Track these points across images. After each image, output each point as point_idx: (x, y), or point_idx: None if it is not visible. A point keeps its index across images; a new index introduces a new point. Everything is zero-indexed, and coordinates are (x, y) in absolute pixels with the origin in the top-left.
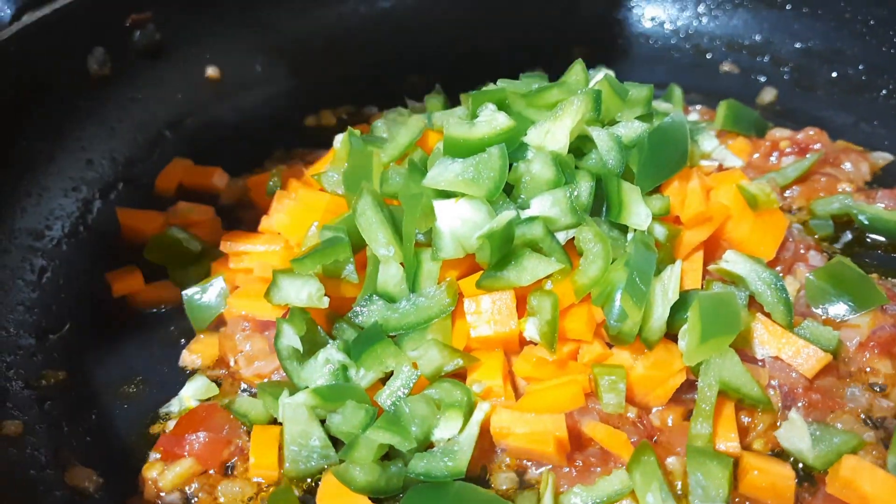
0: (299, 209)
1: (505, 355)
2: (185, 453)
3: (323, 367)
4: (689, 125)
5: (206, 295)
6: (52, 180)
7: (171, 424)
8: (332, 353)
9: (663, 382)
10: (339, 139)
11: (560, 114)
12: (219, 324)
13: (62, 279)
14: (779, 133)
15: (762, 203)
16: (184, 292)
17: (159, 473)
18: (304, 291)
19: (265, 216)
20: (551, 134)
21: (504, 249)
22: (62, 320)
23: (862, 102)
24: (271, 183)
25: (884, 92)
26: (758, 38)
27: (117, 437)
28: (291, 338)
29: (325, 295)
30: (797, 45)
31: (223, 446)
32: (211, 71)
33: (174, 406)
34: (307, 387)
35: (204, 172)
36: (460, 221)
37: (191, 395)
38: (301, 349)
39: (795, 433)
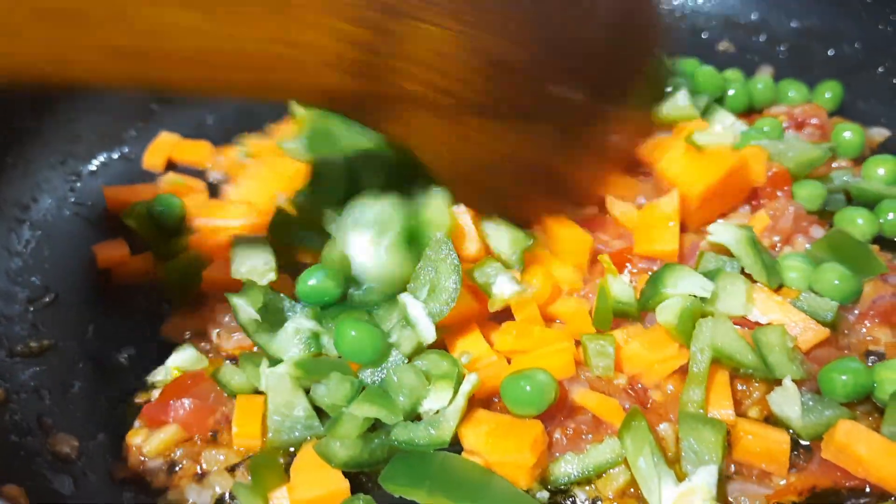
0: (265, 177)
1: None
2: (170, 420)
3: (293, 337)
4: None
5: (183, 269)
6: (38, 153)
7: (156, 394)
8: (301, 322)
9: (662, 364)
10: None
11: None
12: (200, 296)
13: (48, 250)
14: (776, 108)
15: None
16: (163, 267)
17: (143, 440)
18: (247, 264)
19: (234, 185)
20: None
21: None
22: (47, 290)
23: (859, 80)
24: (239, 154)
25: (881, 70)
26: (754, 16)
27: (101, 405)
28: (248, 311)
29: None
30: (793, 24)
31: (208, 414)
32: None
33: (160, 375)
34: (282, 359)
35: (192, 147)
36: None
37: (178, 364)
38: (262, 320)
39: (787, 400)
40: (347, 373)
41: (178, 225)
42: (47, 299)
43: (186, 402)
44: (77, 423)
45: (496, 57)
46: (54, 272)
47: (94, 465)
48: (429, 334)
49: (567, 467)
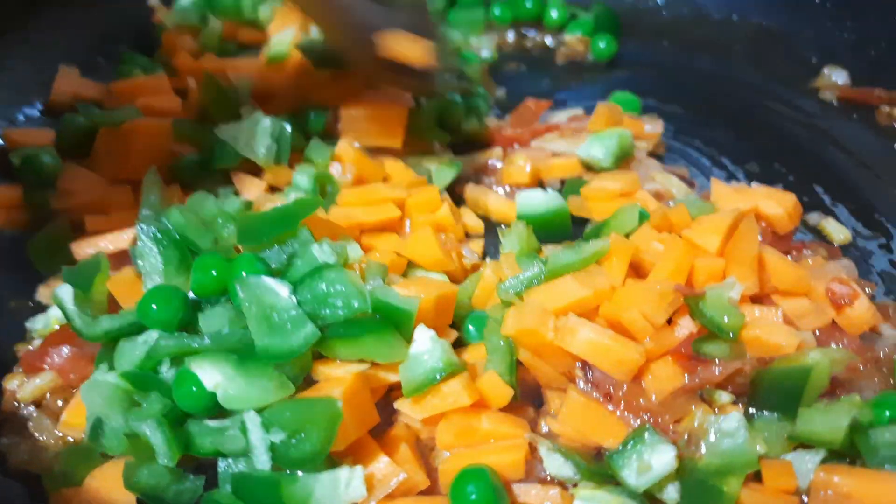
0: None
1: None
2: (46, 367)
3: (138, 348)
4: None
5: (48, 245)
6: None
7: (38, 342)
8: (152, 337)
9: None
10: None
11: None
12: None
13: None
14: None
15: None
16: (30, 242)
17: (19, 385)
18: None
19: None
20: None
21: None
22: None
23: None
24: None
25: None
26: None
27: None
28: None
29: None
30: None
31: (87, 362)
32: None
33: (40, 323)
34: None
35: (92, 85)
36: None
37: (59, 317)
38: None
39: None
40: (167, 396)
41: (49, 179)
42: None
43: (65, 349)
44: None
45: None
46: None
47: None
48: (262, 465)
49: None
